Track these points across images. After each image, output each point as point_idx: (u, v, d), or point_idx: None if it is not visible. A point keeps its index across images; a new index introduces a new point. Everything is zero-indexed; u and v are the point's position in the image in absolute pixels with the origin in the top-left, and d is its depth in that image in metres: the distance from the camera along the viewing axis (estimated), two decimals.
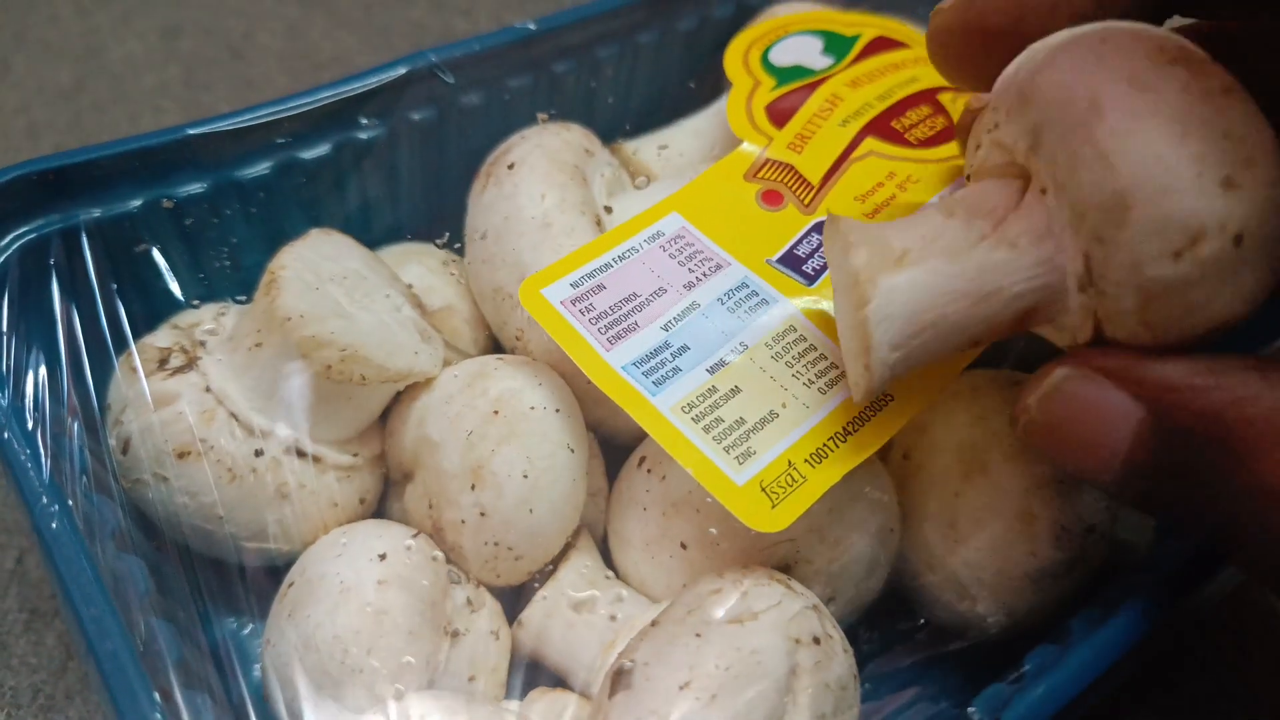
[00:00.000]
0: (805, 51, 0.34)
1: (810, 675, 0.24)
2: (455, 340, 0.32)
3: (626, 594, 0.28)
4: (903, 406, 0.27)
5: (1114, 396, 0.21)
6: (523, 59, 0.34)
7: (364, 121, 0.31)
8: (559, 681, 0.28)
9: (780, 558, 0.28)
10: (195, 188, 0.29)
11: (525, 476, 0.27)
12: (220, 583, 0.28)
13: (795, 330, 0.28)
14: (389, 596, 0.25)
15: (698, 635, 0.24)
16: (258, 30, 0.52)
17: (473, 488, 0.27)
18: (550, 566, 0.29)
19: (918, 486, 0.30)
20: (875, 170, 0.31)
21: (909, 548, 0.30)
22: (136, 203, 0.29)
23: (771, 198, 0.30)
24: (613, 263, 0.29)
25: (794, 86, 0.33)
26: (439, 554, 0.28)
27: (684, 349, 0.27)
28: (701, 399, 0.26)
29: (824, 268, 0.29)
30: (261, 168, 0.30)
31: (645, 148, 0.36)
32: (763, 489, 0.25)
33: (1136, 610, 0.25)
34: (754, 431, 0.26)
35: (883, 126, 0.32)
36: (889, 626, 0.33)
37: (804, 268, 0.29)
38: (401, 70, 0.31)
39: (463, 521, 0.27)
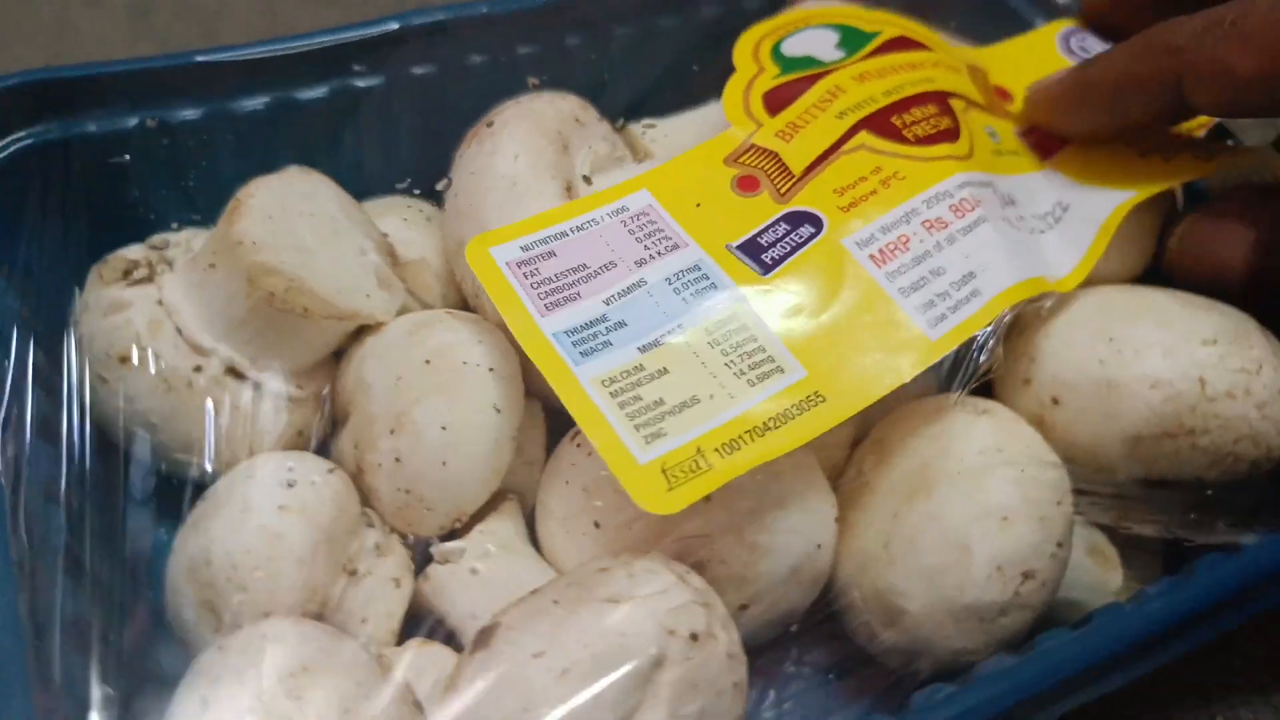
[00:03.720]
0: (819, 44, 0.34)
1: (678, 669, 0.23)
2: (423, 294, 0.32)
3: (531, 564, 0.28)
4: (833, 409, 0.26)
5: (1232, 224, 0.29)
6: (531, 27, 0.34)
7: (359, 68, 0.32)
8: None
9: (693, 552, 0.27)
10: (190, 114, 0.31)
11: (444, 429, 0.27)
12: (151, 491, 0.28)
13: (738, 319, 0.27)
14: (287, 522, 0.26)
15: (568, 608, 0.23)
16: (232, 7, 0.51)
17: (392, 433, 0.27)
18: (475, 525, 0.29)
19: (862, 503, 0.29)
20: (862, 164, 0.30)
21: (842, 565, 0.29)
22: (132, 122, 0.30)
23: (747, 183, 0.29)
24: (569, 232, 0.28)
25: (798, 76, 0.32)
26: (356, 494, 0.28)
27: (621, 324, 0.27)
28: (625, 375, 0.26)
29: (783, 257, 0.28)
30: (258, 102, 0.31)
31: (647, 128, 0.36)
32: (663, 471, 0.24)
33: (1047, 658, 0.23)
34: (671, 414, 0.25)
35: (881, 121, 0.31)
36: (829, 648, 0.31)
37: (763, 256, 0.28)
38: (402, 24, 0.32)
39: (379, 465, 0.27)
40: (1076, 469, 0.29)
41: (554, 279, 0.27)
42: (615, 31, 0.36)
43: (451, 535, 0.29)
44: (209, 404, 0.28)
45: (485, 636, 0.23)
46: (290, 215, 0.29)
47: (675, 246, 0.28)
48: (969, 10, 0.42)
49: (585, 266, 0.28)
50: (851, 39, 0.34)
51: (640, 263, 0.28)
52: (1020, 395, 0.30)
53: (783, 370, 0.26)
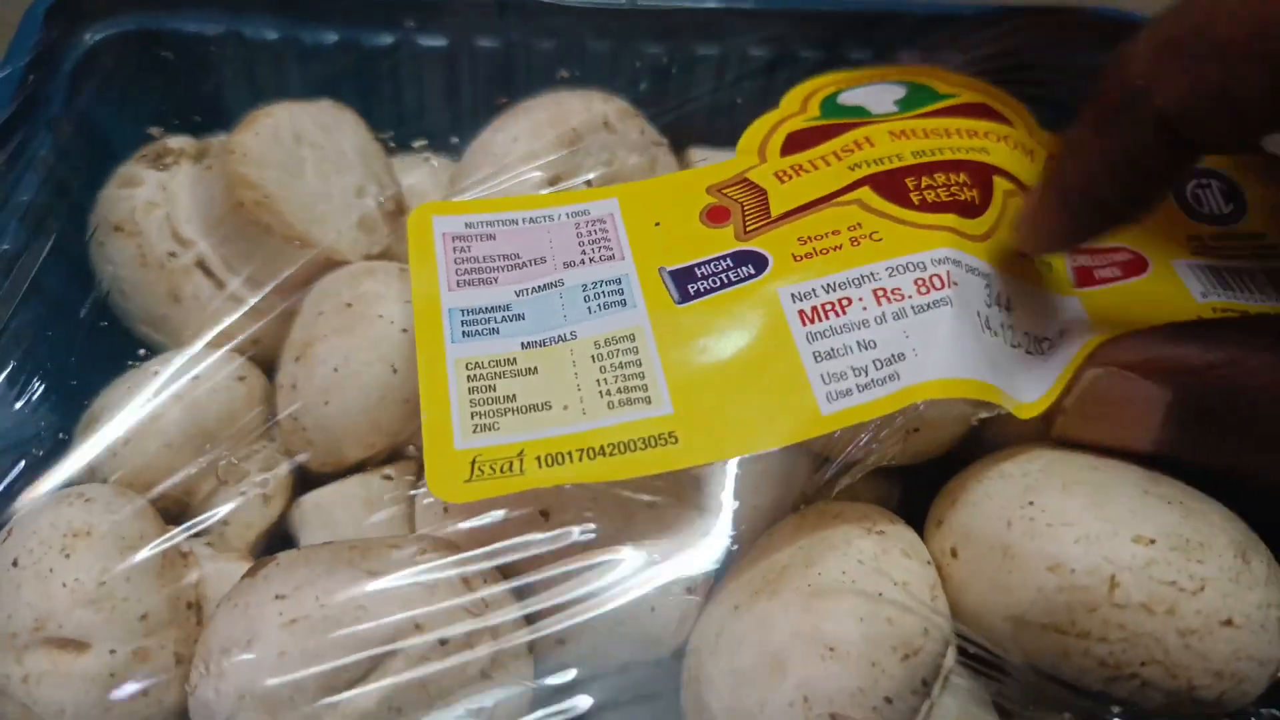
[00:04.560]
0: (879, 97, 0.31)
1: (409, 664, 0.22)
2: None
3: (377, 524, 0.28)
4: (681, 453, 0.24)
5: (1143, 388, 0.24)
6: (608, 27, 0.34)
7: (426, 28, 0.34)
8: None
9: (522, 568, 0.26)
10: (269, 34, 0.34)
11: (335, 370, 0.28)
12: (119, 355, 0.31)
13: (633, 340, 0.26)
14: (168, 407, 0.27)
15: (330, 565, 0.23)
16: None
17: (296, 360, 0.28)
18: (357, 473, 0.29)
19: (722, 587, 0.27)
20: (843, 219, 0.27)
21: (690, 645, 0.27)
22: (213, 30, 0.33)
23: (717, 215, 0.28)
24: (520, 222, 0.28)
25: (834, 122, 0.30)
26: (262, 408, 0.29)
27: (518, 318, 0.26)
28: (493, 364, 0.25)
29: (708, 291, 0.26)
30: (329, 38, 0.34)
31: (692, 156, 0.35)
32: (473, 462, 0.24)
33: None
34: (515, 412, 0.25)
35: (891, 180, 0.27)
36: None
37: (689, 286, 0.26)
38: None
39: (282, 387, 0.29)
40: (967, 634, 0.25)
41: (479, 260, 0.27)
42: (698, 50, 0.35)
43: (343, 474, 0.30)
44: (173, 287, 0.30)
45: (257, 567, 0.24)
46: (300, 142, 0.31)
47: (611, 258, 0.27)
48: None
49: (516, 256, 0.28)
50: (917, 97, 0.31)
51: (569, 264, 0.27)
52: (932, 536, 0.26)
53: (650, 401, 0.25)
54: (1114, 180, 0.23)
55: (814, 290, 0.26)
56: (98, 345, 0.30)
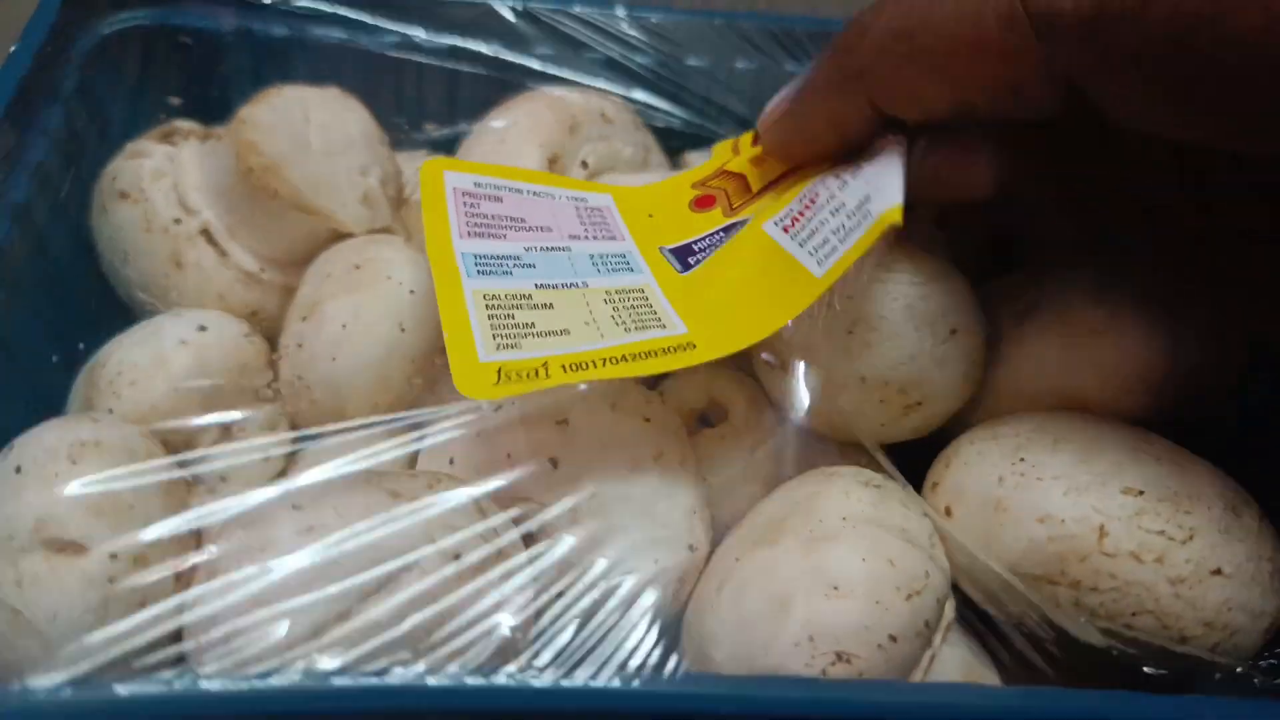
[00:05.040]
0: None
1: (420, 584, 0.22)
2: (417, 233, 0.34)
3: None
4: (700, 353, 0.25)
5: (973, 150, 0.25)
6: (603, 34, 0.37)
7: (427, 30, 0.36)
8: None
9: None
10: (278, 30, 0.35)
11: (344, 327, 0.28)
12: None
13: (643, 292, 0.27)
14: (178, 353, 0.28)
15: (349, 485, 0.23)
16: None
17: (304, 320, 0.29)
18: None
19: (722, 544, 0.27)
20: (809, 173, 0.28)
21: (690, 606, 0.27)
22: (226, 25, 0.35)
23: (704, 202, 0.30)
24: (523, 191, 0.30)
25: None
26: (267, 370, 0.29)
27: (530, 266, 0.27)
28: (510, 298, 0.26)
29: (706, 255, 0.28)
30: (334, 35, 0.35)
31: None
32: (499, 370, 0.24)
33: None
34: (535, 336, 0.25)
35: None
36: None
37: (689, 259, 0.28)
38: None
39: (287, 347, 0.29)
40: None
41: (489, 218, 0.28)
42: (688, 61, 0.38)
43: None
44: (176, 253, 0.30)
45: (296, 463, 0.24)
46: (309, 123, 0.32)
47: (613, 238, 0.29)
48: None
49: (523, 220, 0.29)
50: None
51: (574, 236, 0.29)
52: (927, 498, 0.27)
53: (664, 326, 0.26)
54: (834, 130, 0.26)
55: (789, 211, 0.27)
56: (102, 300, 0.30)
